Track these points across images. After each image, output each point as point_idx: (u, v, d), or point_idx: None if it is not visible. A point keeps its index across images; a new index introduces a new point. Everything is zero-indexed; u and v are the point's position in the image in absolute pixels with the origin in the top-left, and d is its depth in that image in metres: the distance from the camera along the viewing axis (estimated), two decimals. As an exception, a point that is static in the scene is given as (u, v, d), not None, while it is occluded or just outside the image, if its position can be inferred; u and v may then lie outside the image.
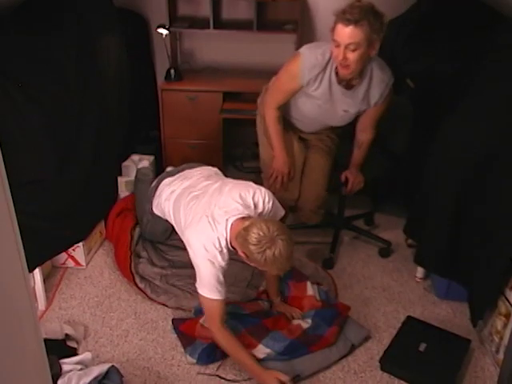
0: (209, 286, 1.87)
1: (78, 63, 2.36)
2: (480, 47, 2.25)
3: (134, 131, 3.24)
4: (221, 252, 1.86)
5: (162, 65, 3.42)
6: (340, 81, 2.13)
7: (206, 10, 3.16)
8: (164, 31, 3.07)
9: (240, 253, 1.82)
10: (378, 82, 2.13)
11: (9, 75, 1.95)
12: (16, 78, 1.97)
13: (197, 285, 1.92)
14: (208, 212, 1.93)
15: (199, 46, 3.48)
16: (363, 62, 2.01)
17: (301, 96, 2.26)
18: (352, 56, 1.95)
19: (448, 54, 2.47)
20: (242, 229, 1.77)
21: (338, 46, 1.96)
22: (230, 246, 1.88)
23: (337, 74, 2.11)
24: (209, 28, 3.10)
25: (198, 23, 3.25)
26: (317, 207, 2.49)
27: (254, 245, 1.71)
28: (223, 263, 1.88)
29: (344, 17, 1.90)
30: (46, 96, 2.12)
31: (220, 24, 3.24)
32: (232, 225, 1.84)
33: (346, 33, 1.90)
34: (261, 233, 1.71)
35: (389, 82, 2.16)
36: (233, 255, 1.93)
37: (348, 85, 2.15)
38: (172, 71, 3.20)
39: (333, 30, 1.97)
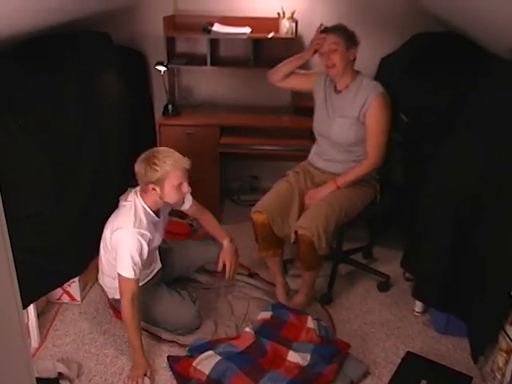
0: (127, 265, 2.04)
1: (78, 99, 2.40)
2: (470, 80, 2.30)
3: (131, 165, 3.25)
4: (141, 225, 2.10)
5: (160, 100, 3.48)
6: (334, 90, 2.51)
7: (203, 48, 3.24)
8: (162, 68, 3.13)
9: (155, 198, 2.13)
10: (364, 88, 2.41)
11: (8, 109, 1.98)
12: (16, 113, 2.00)
13: (117, 268, 2.08)
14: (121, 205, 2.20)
15: (197, 81, 3.55)
16: (345, 63, 2.38)
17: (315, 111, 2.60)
18: (335, 56, 2.35)
19: (439, 88, 2.52)
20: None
21: (323, 54, 2.39)
22: (148, 209, 2.15)
23: (334, 88, 2.49)
24: (206, 65, 3.17)
25: (196, 60, 3.32)
26: (318, 233, 2.24)
27: (148, 171, 2.05)
28: (146, 236, 2.09)
29: (325, 30, 2.40)
30: (45, 130, 2.14)
31: (217, 61, 3.31)
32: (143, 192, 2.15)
33: (328, 39, 2.36)
34: (148, 165, 2.07)
35: (375, 88, 2.40)
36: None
37: (339, 92, 2.49)
38: (170, 106, 3.24)
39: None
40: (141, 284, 2.28)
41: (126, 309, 2.06)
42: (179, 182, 2.12)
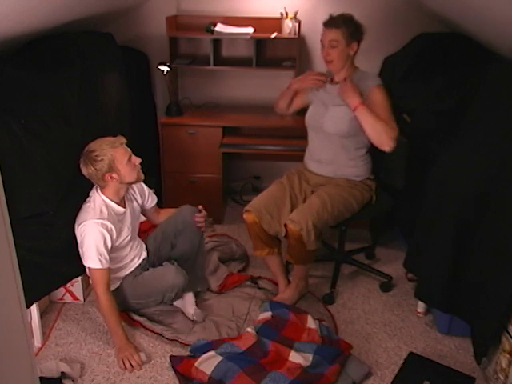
0: (93, 256, 2.12)
1: (81, 99, 2.40)
2: (474, 81, 2.29)
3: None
4: (102, 215, 2.15)
5: (162, 100, 3.49)
6: (331, 82, 2.53)
7: (206, 48, 3.25)
8: (165, 68, 3.14)
9: (117, 185, 2.20)
10: (365, 78, 2.43)
11: (11, 110, 1.98)
12: (18, 114, 2.00)
13: (83, 262, 2.16)
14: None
15: (200, 81, 3.55)
16: (344, 59, 2.40)
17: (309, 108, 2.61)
18: (333, 52, 2.36)
19: (443, 89, 2.52)
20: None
21: (323, 46, 2.39)
22: (109, 201, 2.21)
23: (331, 80, 2.52)
24: (209, 65, 3.17)
25: (199, 60, 3.32)
26: (307, 226, 2.25)
27: (96, 165, 2.11)
28: (107, 226, 2.14)
29: (327, 22, 2.36)
30: (48, 131, 2.14)
31: (220, 61, 3.31)
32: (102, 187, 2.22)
33: (328, 33, 2.35)
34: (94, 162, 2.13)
35: (375, 79, 2.44)
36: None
37: (336, 82, 2.50)
38: (172, 106, 3.25)
39: (321, 36, 2.40)
40: (128, 272, 2.37)
41: (102, 298, 2.14)
42: (127, 156, 2.19)
